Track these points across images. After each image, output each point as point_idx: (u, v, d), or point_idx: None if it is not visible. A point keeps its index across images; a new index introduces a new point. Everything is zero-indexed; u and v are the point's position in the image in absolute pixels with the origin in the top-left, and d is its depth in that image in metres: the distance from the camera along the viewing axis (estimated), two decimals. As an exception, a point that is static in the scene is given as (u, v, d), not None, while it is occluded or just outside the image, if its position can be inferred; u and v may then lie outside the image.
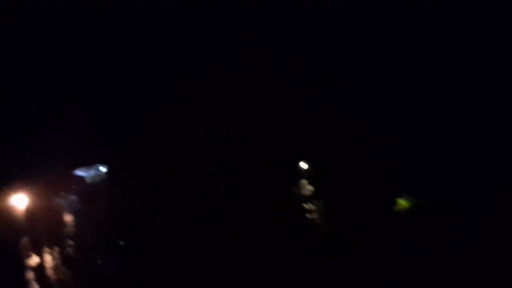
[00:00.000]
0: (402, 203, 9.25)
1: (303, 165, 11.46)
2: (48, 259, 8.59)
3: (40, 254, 8.83)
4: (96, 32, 13.81)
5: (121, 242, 8.36)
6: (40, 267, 8.55)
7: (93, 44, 13.44)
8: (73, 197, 11.26)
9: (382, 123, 9.92)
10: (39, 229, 9.47)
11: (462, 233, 7.38)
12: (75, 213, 10.59)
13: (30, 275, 8.42)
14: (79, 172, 11.86)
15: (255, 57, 12.85)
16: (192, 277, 6.53)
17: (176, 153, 9.49)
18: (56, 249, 8.89)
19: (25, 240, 9.04)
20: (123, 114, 10.75)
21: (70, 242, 9.26)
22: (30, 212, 9.72)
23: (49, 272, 8.31)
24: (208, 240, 7.44)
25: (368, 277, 6.58)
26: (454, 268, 6.82)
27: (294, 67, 12.48)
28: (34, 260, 8.69)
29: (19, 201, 9.93)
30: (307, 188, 11.05)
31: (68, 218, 10.32)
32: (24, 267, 8.66)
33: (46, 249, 8.69)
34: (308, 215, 10.15)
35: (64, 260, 8.52)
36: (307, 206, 10.60)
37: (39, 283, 8.22)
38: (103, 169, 11.72)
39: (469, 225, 7.62)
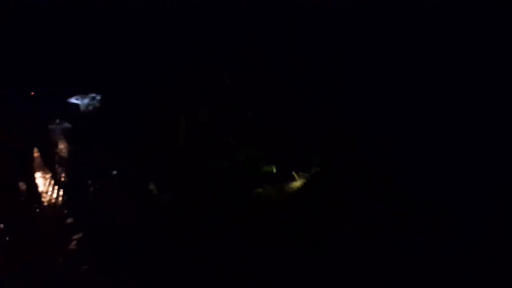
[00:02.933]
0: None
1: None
2: (39, 183, 8.97)
3: (30, 179, 8.74)
4: (96, 32, 14.04)
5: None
6: (31, 190, 8.44)
7: (93, 44, 13.67)
8: (66, 124, 11.26)
9: (382, 123, 10.16)
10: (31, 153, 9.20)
11: (462, 233, 7.79)
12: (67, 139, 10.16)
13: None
14: (73, 100, 11.14)
15: (255, 57, 13.14)
16: (192, 277, 6.79)
17: (176, 153, 9.88)
18: (48, 173, 9.35)
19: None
20: (123, 114, 10.96)
21: (60, 168, 9.90)
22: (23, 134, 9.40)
23: (39, 195, 8.88)
24: (208, 240, 7.80)
25: (368, 277, 6.86)
26: (454, 268, 7.18)
27: (294, 67, 12.73)
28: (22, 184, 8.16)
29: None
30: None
31: (60, 144, 10.58)
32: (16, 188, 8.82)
33: (37, 174, 8.86)
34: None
35: (56, 183, 9.11)
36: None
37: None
38: (97, 97, 11.31)
39: (469, 225, 7.99)
